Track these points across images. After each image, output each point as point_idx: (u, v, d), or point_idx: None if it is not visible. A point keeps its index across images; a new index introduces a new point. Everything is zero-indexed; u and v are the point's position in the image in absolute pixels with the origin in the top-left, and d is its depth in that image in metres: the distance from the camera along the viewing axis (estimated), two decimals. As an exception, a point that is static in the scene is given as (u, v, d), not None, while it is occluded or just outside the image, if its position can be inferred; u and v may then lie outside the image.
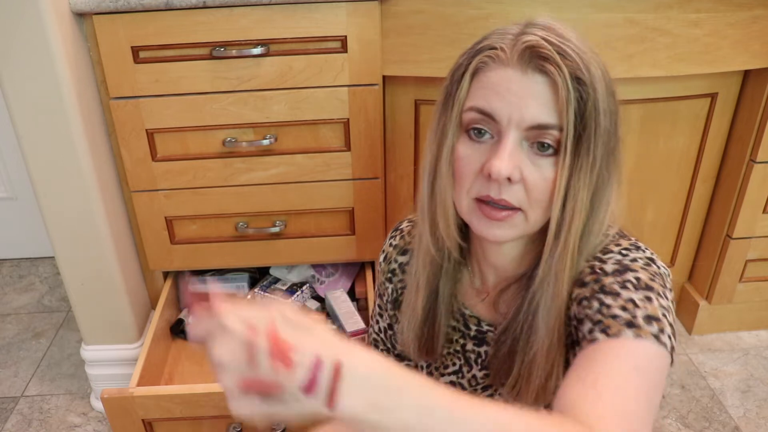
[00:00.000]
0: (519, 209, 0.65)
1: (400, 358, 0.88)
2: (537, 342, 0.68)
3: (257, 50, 1.22)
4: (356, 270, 1.63)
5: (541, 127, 0.62)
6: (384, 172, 1.43)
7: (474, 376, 0.80)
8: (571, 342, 0.68)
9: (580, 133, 0.62)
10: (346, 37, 1.23)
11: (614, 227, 0.70)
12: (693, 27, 1.27)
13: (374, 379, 0.44)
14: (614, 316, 0.61)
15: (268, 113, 1.30)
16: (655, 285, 0.64)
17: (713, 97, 1.45)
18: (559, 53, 0.61)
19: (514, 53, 0.62)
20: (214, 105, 1.28)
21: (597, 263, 0.67)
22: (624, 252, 0.67)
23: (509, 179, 0.63)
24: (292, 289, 1.57)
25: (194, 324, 0.47)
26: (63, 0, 1.17)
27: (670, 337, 0.61)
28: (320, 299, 1.60)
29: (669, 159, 1.52)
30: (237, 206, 1.41)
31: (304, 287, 1.59)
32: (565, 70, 0.60)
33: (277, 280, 1.61)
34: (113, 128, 1.32)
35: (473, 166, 0.65)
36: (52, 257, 1.86)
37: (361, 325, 1.47)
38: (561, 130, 0.62)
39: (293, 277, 1.60)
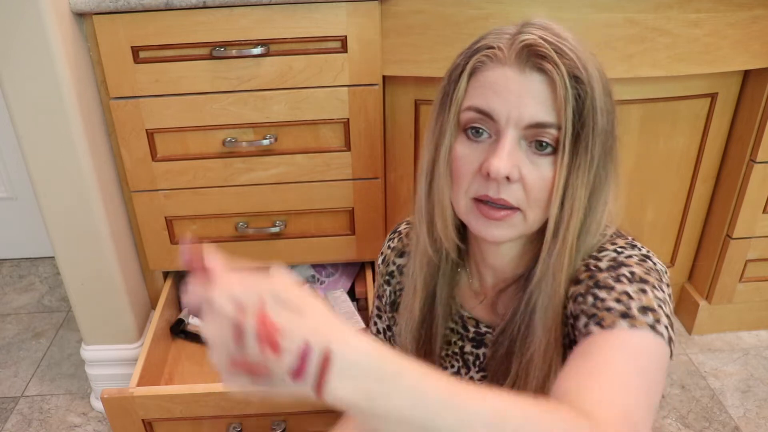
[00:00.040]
0: (517, 209, 0.65)
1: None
2: (534, 342, 0.68)
3: (257, 50, 1.22)
4: (356, 270, 1.63)
5: (539, 126, 0.62)
6: (384, 172, 1.43)
7: (472, 379, 0.80)
8: (569, 342, 0.68)
9: (579, 131, 0.62)
10: (346, 37, 1.23)
11: (612, 227, 0.70)
12: (693, 27, 1.27)
13: (366, 367, 0.43)
14: (609, 309, 0.61)
15: (268, 113, 1.30)
16: (651, 278, 0.63)
17: (713, 97, 1.45)
18: (556, 52, 0.61)
19: (511, 52, 0.62)
20: (214, 105, 1.28)
21: (592, 261, 0.67)
22: (619, 250, 0.67)
23: (508, 178, 0.63)
24: (292, 289, 1.58)
25: (191, 292, 0.46)
26: (63, 0, 1.17)
27: (667, 328, 0.60)
28: (320, 299, 1.60)
29: (669, 159, 1.51)
30: (237, 206, 1.41)
31: (304, 287, 1.59)
32: (563, 68, 0.61)
33: (277, 280, 1.61)
34: (113, 128, 1.32)
35: (471, 165, 0.65)
36: (52, 257, 1.86)
37: (361, 325, 1.47)
38: (559, 128, 0.62)
39: (293, 277, 1.60)
